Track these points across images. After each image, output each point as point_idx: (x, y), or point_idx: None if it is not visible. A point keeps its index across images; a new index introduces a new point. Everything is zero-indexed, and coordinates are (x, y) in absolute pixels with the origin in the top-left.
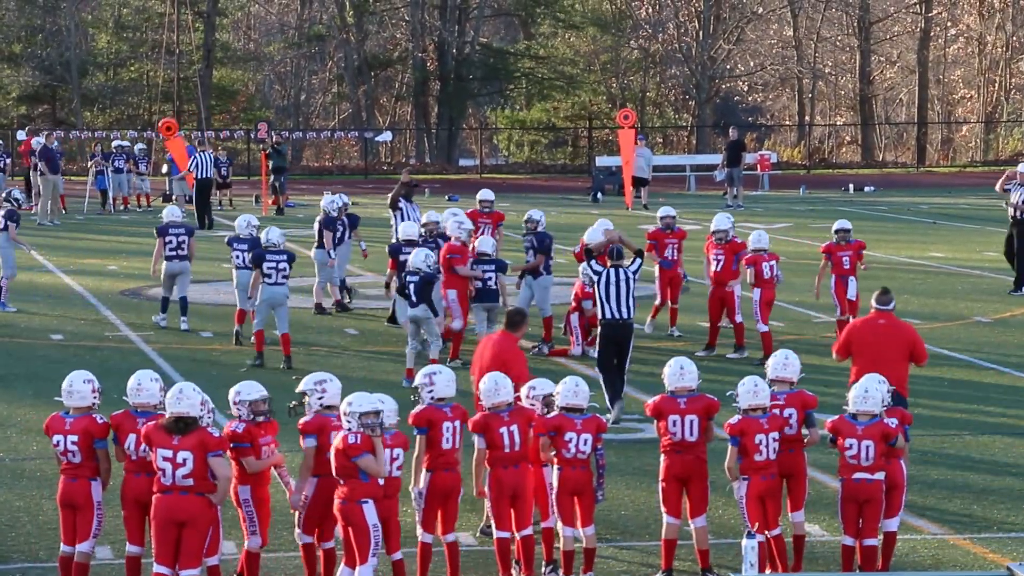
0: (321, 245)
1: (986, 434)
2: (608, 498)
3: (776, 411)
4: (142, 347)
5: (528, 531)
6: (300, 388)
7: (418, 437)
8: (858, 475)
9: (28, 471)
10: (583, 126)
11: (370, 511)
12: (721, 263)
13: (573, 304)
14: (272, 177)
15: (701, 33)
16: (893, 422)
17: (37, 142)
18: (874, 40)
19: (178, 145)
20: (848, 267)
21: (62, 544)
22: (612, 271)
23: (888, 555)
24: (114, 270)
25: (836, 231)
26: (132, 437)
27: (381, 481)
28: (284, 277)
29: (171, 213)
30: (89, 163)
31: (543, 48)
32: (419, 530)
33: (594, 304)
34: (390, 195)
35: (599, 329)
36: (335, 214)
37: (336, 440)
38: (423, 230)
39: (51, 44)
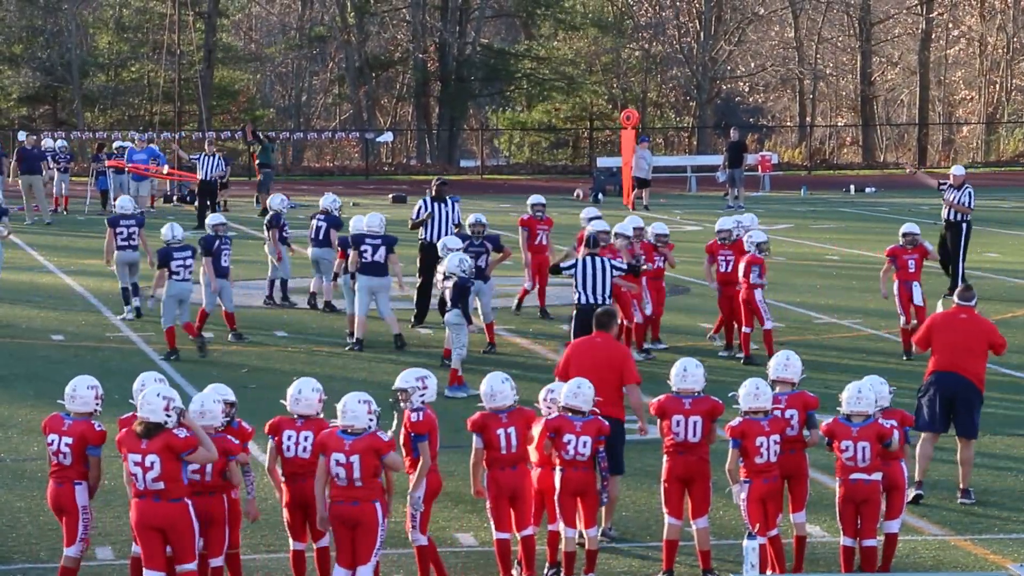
0: (325, 244)
1: (986, 434)
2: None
3: (777, 413)
4: (143, 348)
5: (529, 531)
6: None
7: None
8: (855, 476)
9: (29, 471)
10: (584, 127)
11: (380, 510)
12: (730, 264)
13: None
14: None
15: (702, 34)
16: (890, 423)
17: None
18: (875, 41)
19: (121, 164)
20: (913, 271)
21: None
22: (589, 258)
23: (889, 556)
24: (115, 271)
25: (904, 234)
26: None
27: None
28: (190, 273)
29: (122, 205)
30: (92, 164)
31: (544, 49)
32: (414, 535)
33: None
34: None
35: (573, 314)
36: (336, 213)
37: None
38: (470, 231)
39: (52, 45)
